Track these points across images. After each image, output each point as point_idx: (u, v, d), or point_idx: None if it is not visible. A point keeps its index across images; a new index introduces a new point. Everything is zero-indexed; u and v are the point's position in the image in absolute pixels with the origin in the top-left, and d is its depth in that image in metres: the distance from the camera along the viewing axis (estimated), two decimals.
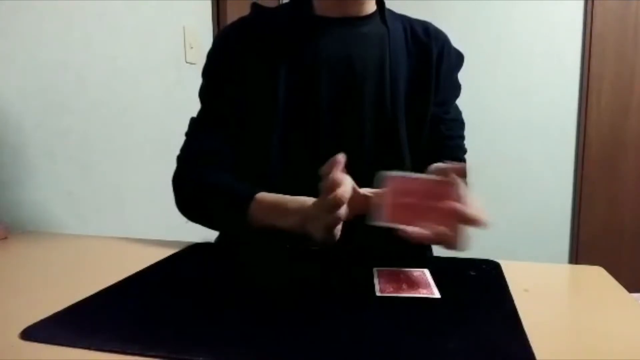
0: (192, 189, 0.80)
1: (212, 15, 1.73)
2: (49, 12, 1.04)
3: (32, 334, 0.42)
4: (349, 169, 0.80)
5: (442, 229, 0.54)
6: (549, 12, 2.23)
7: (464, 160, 0.89)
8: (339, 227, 0.62)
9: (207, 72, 0.86)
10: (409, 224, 0.54)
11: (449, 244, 0.55)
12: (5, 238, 0.80)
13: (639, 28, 2.18)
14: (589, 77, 2.22)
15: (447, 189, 0.56)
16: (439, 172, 0.58)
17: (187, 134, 0.85)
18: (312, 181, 0.77)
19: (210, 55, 0.86)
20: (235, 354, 0.39)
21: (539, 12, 2.24)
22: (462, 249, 0.56)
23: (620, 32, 2.18)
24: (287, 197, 0.72)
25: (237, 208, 0.73)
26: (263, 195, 0.73)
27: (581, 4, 2.20)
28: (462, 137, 0.89)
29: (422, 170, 0.67)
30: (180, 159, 0.84)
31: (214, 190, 0.78)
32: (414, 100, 0.81)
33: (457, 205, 0.54)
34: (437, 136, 0.84)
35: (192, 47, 1.59)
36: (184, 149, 0.84)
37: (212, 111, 0.84)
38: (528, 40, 2.26)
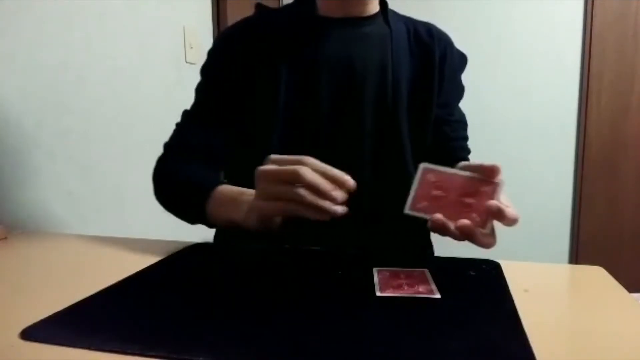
0: (165, 177, 0.82)
1: (212, 15, 1.73)
2: (49, 12, 1.04)
3: (32, 334, 0.42)
4: (349, 170, 0.80)
5: (464, 222, 0.53)
6: (549, 12, 2.23)
7: (467, 161, 0.89)
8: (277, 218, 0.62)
9: (205, 70, 0.86)
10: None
11: (474, 239, 0.54)
12: (5, 238, 0.79)
13: (639, 28, 2.18)
14: (589, 77, 2.22)
15: (483, 186, 0.55)
16: (474, 169, 0.57)
17: (177, 124, 0.87)
18: None
19: (211, 53, 0.87)
20: (235, 354, 0.39)
21: (539, 12, 2.24)
22: (488, 246, 0.56)
23: (620, 32, 2.19)
24: (246, 189, 0.70)
25: (197, 200, 0.73)
26: (223, 188, 0.72)
27: (581, 4, 2.20)
28: (466, 138, 0.90)
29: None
30: (166, 146, 0.85)
31: (182, 180, 0.79)
32: (417, 102, 0.81)
33: (498, 203, 0.53)
34: (441, 138, 0.84)
35: (192, 47, 1.59)
36: (172, 138, 0.86)
37: (206, 107, 0.85)
38: (528, 40, 2.26)
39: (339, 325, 0.44)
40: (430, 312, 0.47)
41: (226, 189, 0.72)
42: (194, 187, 0.75)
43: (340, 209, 0.57)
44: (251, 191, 0.69)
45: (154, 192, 0.83)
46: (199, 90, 0.86)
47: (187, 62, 1.57)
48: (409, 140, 0.81)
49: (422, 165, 0.58)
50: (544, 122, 2.29)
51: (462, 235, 0.54)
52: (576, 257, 2.32)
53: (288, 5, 0.88)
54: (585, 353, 0.40)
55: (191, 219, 0.79)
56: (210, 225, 0.76)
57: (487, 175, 0.56)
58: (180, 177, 0.79)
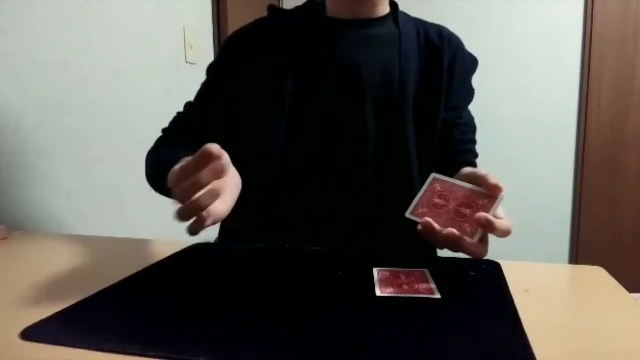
0: (147, 157, 0.84)
1: (212, 15, 1.73)
2: (49, 12, 1.04)
3: (32, 334, 0.42)
4: (354, 172, 0.80)
5: (450, 230, 0.54)
6: (549, 12, 2.23)
7: (475, 165, 0.88)
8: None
9: (212, 68, 0.87)
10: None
11: (461, 248, 0.55)
12: (5, 238, 0.80)
13: (639, 28, 2.18)
14: (589, 77, 2.22)
15: (482, 199, 0.58)
16: (479, 180, 0.59)
17: (178, 113, 0.89)
18: (314, 181, 0.77)
19: (220, 52, 0.87)
20: (235, 354, 0.39)
21: (539, 12, 2.24)
22: (478, 256, 0.57)
23: (620, 32, 2.19)
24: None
25: (162, 176, 0.66)
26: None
27: (581, 4, 2.20)
28: (474, 142, 0.89)
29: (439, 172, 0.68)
30: (162, 130, 0.88)
31: (156, 160, 0.80)
32: (423, 104, 0.81)
33: (487, 215, 0.54)
34: (449, 140, 0.84)
35: (192, 47, 1.59)
36: (169, 124, 0.88)
37: (206, 100, 0.85)
38: (528, 40, 2.26)
39: (339, 325, 0.44)
40: (430, 312, 0.47)
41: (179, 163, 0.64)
42: (164, 165, 0.70)
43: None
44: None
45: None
46: (203, 84, 0.88)
47: (187, 62, 1.57)
48: (414, 142, 0.80)
49: (433, 175, 0.62)
50: (544, 122, 2.29)
51: (448, 242, 0.55)
52: (576, 257, 2.32)
53: (300, 7, 0.88)
54: (585, 353, 0.40)
55: (169, 197, 0.77)
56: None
57: (489, 190, 0.58)
58: (155, 157, 0.81)
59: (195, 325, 0.44)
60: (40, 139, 1.03)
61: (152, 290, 0.54)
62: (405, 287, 0.53)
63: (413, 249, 0.82)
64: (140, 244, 0.74)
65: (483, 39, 2.27)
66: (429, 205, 0.59)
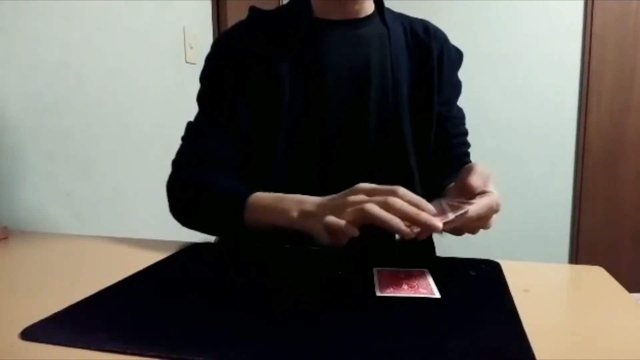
0: (185, 192, 0.78)
1: (212, 16, 1.73)
2: (49, 12, 1.04)
3: (32, 334, 0.42)
4: (354, 172, 0.80)
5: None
6: (549, 12, 2.23)
7: (468, 154, 0.89)
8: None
9: (205, 78, 0.85)
10: None
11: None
12: (5, 238, 0.80)
13: (639, 28, 2.18)
14: (589, 77, 2.22)
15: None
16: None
17: (183, 138, 0.84)
18: (316, 185, 0.77)
19: (209, 60, 0.85)
20: (236, 354, 0.39)
21: (539, 12, 2.24)
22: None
23: (620, 32, 2.19)
24: (284, 194, 0.70)
25: (233, 207, 0.71)
26: (260, 194, 0.71)
27: (581, 4, 2.20)
28: (466, 133, 0.90)
29: (428, 170, 0.69)
30: (175, 162, 0.82)
31: (208, 191, 0.75)
32: (418, 101, 0.81)
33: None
34: (444, 134, 0.84)
35: (192, 47, 1.59)
36: (180, 153, 0.83)
37: (210, 116, 0.82)
38: (528, 40, 2.27)
39: (339, 325, 0.44)
40: (430, 312, 0.47)
41: (264, 195, 0.71)
42: (228, 197, 0.73)
43: (411, 233, 0.56)
44: (292, 195, 0.69)
45: (171, 211, 0.80)
46: (202, 99, 0.84)
47: (187, 62, 1.57)
48: (411, 141, 0.80)
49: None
50: (544, 122, 2.29)
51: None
52: (576, 257, 2.32)
53: (282, 7, 0.87)
54: (585, 353, 0.40)
55: (224, 230, 0.77)
56: (240, 234, 0.74)
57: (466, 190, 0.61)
58: (206, 189, 0.76)
59: (195, 325, 0.44)
60: (40, 139, 1.03)
61: (152, 290, 0.54)
62: (405, 287, 0.53)
63: (413, 248, 0.82)
64: (140, 244, 0.74)
65: (483, 39, 2.28)
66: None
